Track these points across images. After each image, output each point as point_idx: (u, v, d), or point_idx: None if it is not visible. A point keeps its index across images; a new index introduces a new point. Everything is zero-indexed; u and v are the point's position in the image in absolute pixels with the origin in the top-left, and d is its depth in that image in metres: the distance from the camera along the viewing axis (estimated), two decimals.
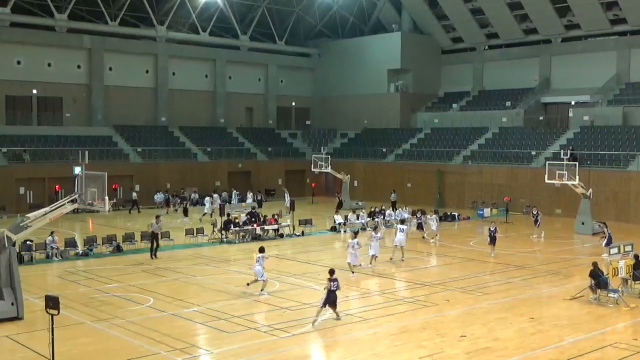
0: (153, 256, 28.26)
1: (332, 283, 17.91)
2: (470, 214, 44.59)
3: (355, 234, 25.79)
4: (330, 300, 17.89)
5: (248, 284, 21.64)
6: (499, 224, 35.34)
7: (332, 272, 18.29)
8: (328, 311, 18.26)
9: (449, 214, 42.88)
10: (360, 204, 46.51)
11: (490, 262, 27.78)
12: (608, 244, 27.18)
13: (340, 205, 45.14)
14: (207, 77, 59.99)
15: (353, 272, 24.40)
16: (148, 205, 47.72)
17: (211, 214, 40.90)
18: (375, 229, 29.49)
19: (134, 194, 46.80)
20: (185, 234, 32.70)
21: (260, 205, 41.76)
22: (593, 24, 52.75)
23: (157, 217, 29.48)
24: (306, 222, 37.06)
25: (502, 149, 50.20)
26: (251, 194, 49.73)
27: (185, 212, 42.51)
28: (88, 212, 38.23)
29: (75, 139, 49.39)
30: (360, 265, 25.38)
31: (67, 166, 42.15)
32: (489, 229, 29.41)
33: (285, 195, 46.59)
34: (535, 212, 35.81)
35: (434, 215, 36.24)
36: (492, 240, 29.09)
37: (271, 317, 18.92)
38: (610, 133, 46.96)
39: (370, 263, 26.30)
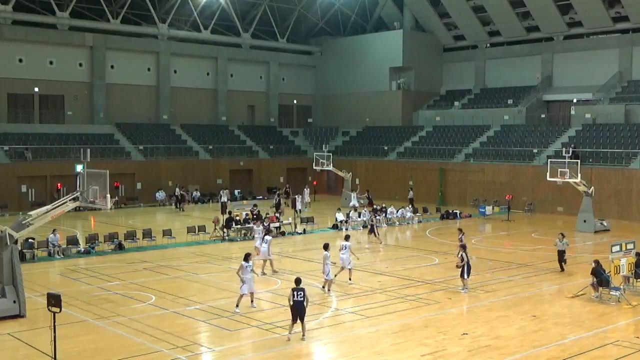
0: None
1: (296, 293, 16.22)
2: (472, 211, 44.57)
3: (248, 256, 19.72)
4: (295, 312, 16.23)
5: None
6: (500, 222, 35.33)
7: (298, 281, 16.76)
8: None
9: (450, 211, 42.86)
10: (362, 201, 46.52)
11: (492, 259, 27.74)
12: (463, 249, 25.66)
13: (371, 203, 45.30)
14: (209, 75, 59.99)
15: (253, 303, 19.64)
16: (149, 203, 47.87)
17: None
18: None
19: (177, 190, 47.28)
20: (187, 232, 32.70)
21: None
22: (595, 21, 52.69)
23: None
24: (308, 220, 37.06)
25: (504, 146, 50.16)
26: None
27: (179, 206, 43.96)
28: (90, 210, 38.57)
29: (77, 137, 49.45)
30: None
31: (69, 164, 42.18)
32: (461, 256, 21.71)
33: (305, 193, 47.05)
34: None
35: (260, 227, 27.89)
36: (467, 270, 21.77)
37: (273, 314, 18.91)
38: (612, 131, 46.90)
39: (350, 279, 22.95)
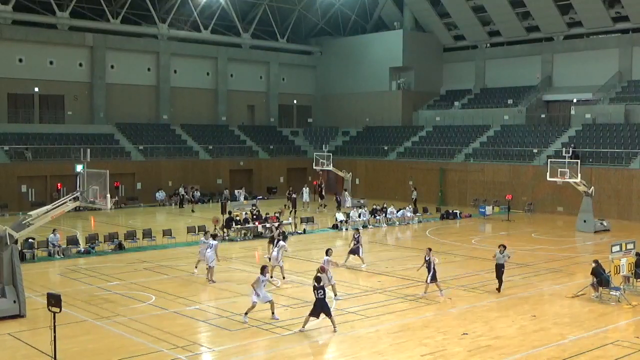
0: None
1: (317, 291, 16.83)
2: (472, 211, 44.56)
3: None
4: (317, 309, 16.81)
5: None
6: (500, 222, 35.32)
7: (318, 279, 17.24)
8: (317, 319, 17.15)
9: (450, 211, 42.86)
10: (362, 201, 46.49)
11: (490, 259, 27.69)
12: (355, 252, 25.58)
13: (339, 206, 45.26)
14: (209, 74, 60.00)
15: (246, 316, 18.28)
16: (149, 203, 47.87)
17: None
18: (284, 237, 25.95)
19: (182, 190, 47.34)
20: (187, 232, 32.69)
21: (339, 205, 44.99)
22: (595, 21, 52.69)
23: None
24: (308, 220, 37.06)
25: (504, 146, 50.17)
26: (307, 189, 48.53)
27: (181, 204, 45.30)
28: (90, 210, 38.57)
29: (77, 137, 49.46)
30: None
31: (69, 164, 42.21)
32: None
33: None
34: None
35: (213, 241, 24.05)
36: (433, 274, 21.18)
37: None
38: (612, 131, 46.91)
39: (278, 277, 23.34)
